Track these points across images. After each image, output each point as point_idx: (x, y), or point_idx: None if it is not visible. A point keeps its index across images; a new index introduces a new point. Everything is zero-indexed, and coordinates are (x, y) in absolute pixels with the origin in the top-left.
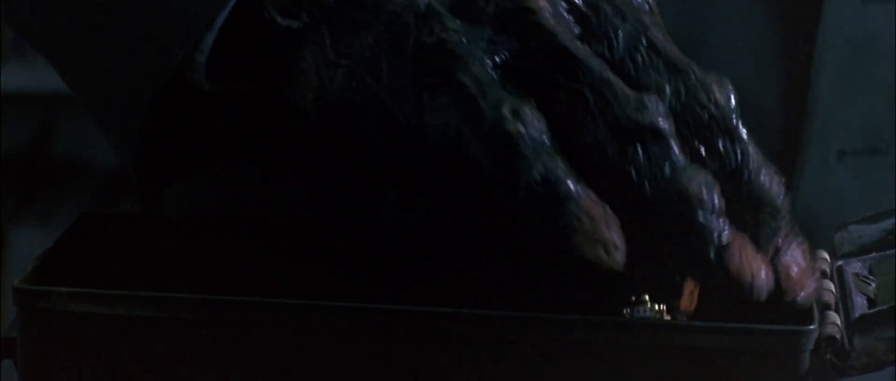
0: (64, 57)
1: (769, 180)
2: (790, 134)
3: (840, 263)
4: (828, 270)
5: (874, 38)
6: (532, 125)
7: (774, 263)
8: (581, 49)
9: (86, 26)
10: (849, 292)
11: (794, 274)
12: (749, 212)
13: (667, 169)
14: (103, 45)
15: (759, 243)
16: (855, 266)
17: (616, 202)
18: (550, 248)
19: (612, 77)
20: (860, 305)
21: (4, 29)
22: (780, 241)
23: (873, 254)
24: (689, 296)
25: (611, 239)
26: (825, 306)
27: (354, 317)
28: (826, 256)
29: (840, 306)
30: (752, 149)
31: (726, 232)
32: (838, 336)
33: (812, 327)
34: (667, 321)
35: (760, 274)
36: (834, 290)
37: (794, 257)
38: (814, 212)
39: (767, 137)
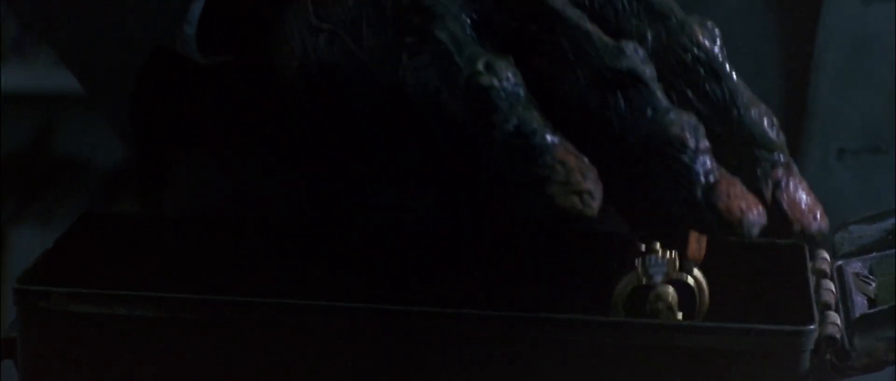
0: (57, 33)
1: (760, 116)
2: (790, 133)
3: (840, 263)
4: (828, 270)
5: (874, 37)
6: (506, 79)
7: (777, 197)
8: (558, 1)
9: (78, 3)
10: (849, 292)
11: (801, 204)
12: (743, 149)
13: (648, 114)
14: (97, 21)
15: (756, 180)
16: (855, 266)
17: (601, 152)
18: (528, 200)
19: (589, 27)
20: (860, 305)
21: (4, 29)
22: (779, 174)
23: (873, 254)
24: (696, 243)
25: (586, 188)
26: (825, 307)
27: (354, 317)
28: (826, 256)
29: (840, 306)
30: (740, 87)
31: (713, 172)
32: (838, 336)
33: (812, 327)
34: (667, 321)
35: (751, 211)
36: (834, 290)
37: (799, 189)
38: None
39: None
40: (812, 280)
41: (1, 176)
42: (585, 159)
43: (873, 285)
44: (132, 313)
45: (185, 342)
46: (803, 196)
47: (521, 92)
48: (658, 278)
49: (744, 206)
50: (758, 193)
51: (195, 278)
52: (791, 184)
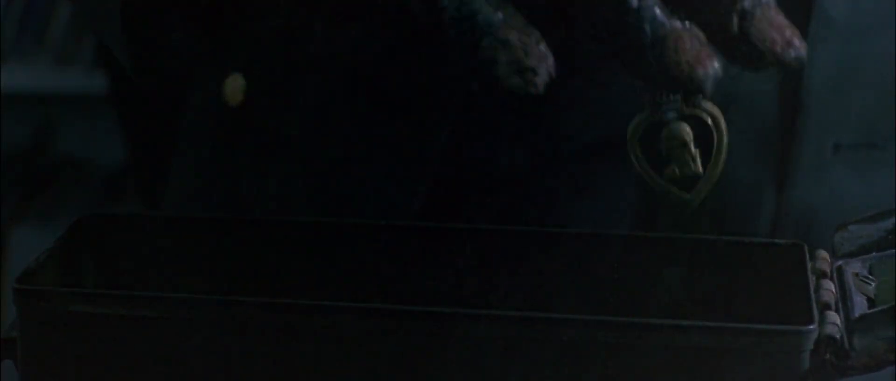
0: None
1: None
2: (785, 128)
3: (840, 263)
4: (828, 270)
5: (868, 31)
6: None
7: (745, 29)
8: None
9: None
10: (849, 292)
11: (773, 33)
12: None
13: None
14: None
15: (721, 16)
16: (855, 266)
17: (554, 20)
18: (484, 82)
19: None
20: (860, 305)
21: (4, 29)
22: (746, 5)
23: (873, 254)
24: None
25: (528, 65)
26: (825, 307)
27: (354, 317)
28: (826, 256)
29: (840, 306)
30: None
31: (661, 27)
32: (838, 336)
33: (812, 327)
34: (668, 321)
35: (700, 63)
36: (834, 290)
37: (768, 17)
38: (810, 206)
39: (762, 131)
40: (812, 280)
41: (1, 176)
42: (534, 33)
43: (873, 285)
44: (132, 313)
45: (185, 342)
46: (776, 24)
47: None
48: (671, 115)
49: (692, 57)
50: (724, 28)
51: (195, 278)
52: (758, 13)
